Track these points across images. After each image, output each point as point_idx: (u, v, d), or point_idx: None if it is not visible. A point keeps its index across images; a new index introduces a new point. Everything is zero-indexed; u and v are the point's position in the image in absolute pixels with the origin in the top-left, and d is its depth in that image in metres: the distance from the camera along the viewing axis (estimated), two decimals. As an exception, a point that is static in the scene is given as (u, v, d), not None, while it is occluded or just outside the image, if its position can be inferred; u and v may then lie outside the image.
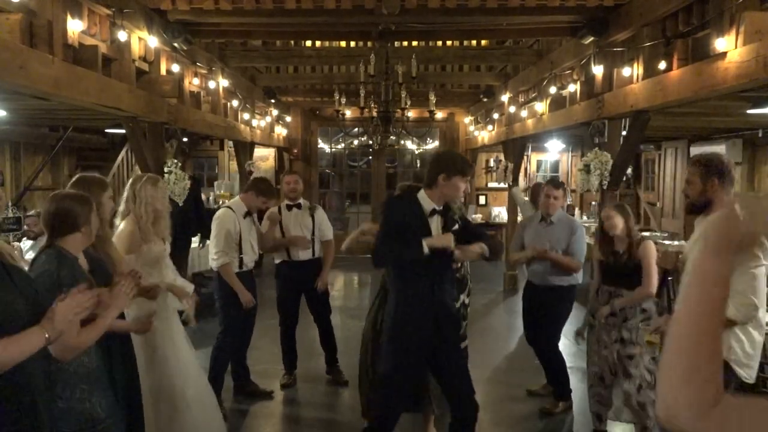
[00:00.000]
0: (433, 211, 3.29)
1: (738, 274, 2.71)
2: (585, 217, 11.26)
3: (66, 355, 2.19)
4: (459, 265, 4.62)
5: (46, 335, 1.89)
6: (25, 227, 5.52)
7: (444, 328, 3.32)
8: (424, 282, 3.27)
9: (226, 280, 4.44)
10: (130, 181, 3.65)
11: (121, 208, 3.53)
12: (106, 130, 9.43)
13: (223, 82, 7.21)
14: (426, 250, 3.14)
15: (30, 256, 4.74)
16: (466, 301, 4.72)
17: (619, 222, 3.89)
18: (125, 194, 3.55)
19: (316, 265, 5.10)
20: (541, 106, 7.19)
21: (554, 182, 4.72)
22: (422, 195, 3.33)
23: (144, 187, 3.50)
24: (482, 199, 12.65)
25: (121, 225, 3.47)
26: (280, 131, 11.25)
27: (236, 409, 4.62)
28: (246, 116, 8.50)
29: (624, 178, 5.81)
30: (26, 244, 5.63)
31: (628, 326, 3.88)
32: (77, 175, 3.06)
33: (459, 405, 3.42)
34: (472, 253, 3.26)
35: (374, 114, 6.54)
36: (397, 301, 3.35)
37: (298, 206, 5.11)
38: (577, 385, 4.75)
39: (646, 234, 4.05)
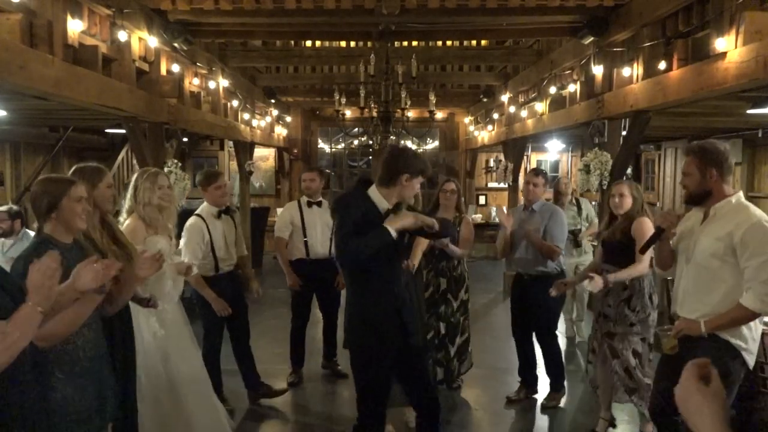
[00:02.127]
0: (387, 212, 3.07)
1: (759, 263, 2.65)
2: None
3: (41, 342, 2.10)
4: (456, 263, 4.66)
5: (39, 309, 1.82)
6: None
7: (407, 324, 3.20)
8: (384, 278, 3.12)
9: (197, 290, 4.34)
10: (133, 177, 3.63)
11: (126, 205, 3.53)
12: (106, 130, 9.43)
13: (223, 82, 7.21)
14: (393, 233, 2.93)
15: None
16: (465, 297, 4.78)
17: (627, 201, 3.83)
18: (129, 191, 3.55)
19: (332, 263, 4.99)
20: (541, 106, 7.20)
21: (535, 170, 4.71)
22: (374, 193, 3.10)
23: (143, 185, 3.49)
24: (482, 199, 12.65)
25: (127, 221, 3.48)
26: (280, 131, 11.25)
27: (236, 408, 4.61)
28: (246, 116, 8.50)
29: (624, 178, 5.79)
30: (0, 242, 5.17)
31: (609, 302, 3.88)
32: (75, 166, 3.05)
33: (422, 405, 3.34)
34: (425, 221, 3.06)
35: (374, 114, 6.54)
36: (362, 305, 3.17)
37: (319, 204, 5.10)
38: (577, 384, 4.75)
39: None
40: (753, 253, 2.66)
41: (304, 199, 5.13)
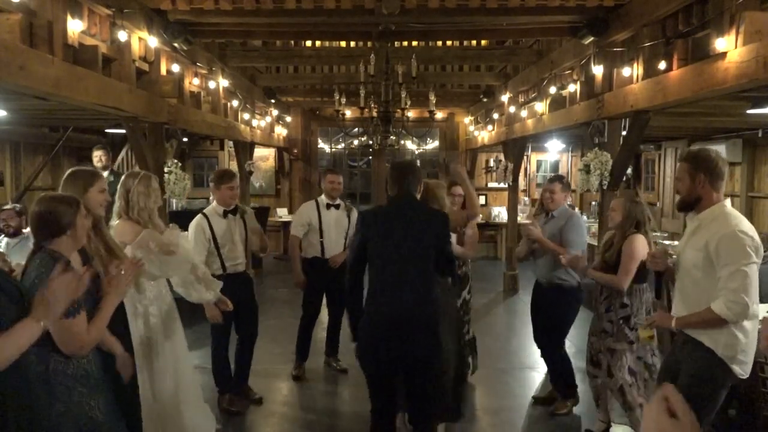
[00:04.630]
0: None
1: (730, 272, 2.72)
2: (585, 218, 11.27)
3: (80, 351, 2.26)
4: (461, 263, 4.67)
5: (41, 323, 1.91)
6: (1, 224, 5.22)
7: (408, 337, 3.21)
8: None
9: None
10: (122, 179, 3.59)
11: (116, 206, 3.49)
12: (106, 130, 9.43)
13: (223, 82, 7.21)
14: None
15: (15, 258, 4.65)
16: (467, 297, 4.80)
17: (616, 217, 3.89)
18: (118, 192, 3.51)
19: (345, 262, 5.14)
20: (541, 106, 7.19)
21: (551, 178, 4.75)
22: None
23: (136, 189, 3.48)
24: (482, 199, 12.65)
25: (116, 223, 3.46)
26: (280, 131, 11.25)
27: (236, 409, 4.61)
28: (246, 116, 8.50)
29: (624, 178, 5.79)
30: (5, 242, 5.16)
31: (609, 317, 3.89)
32: (69, 170, 3.04)
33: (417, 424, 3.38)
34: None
35: (374, 114, 6.54)
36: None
37: (337, 206, 5.22)
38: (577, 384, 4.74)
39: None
40: (725, 262, 2.74)
41: (323, 200, 5.22)
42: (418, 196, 3.42)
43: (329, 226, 5.15)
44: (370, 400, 3.36)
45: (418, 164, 3.64)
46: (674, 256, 3.25)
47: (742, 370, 2.84)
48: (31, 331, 1.89)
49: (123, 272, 2.44)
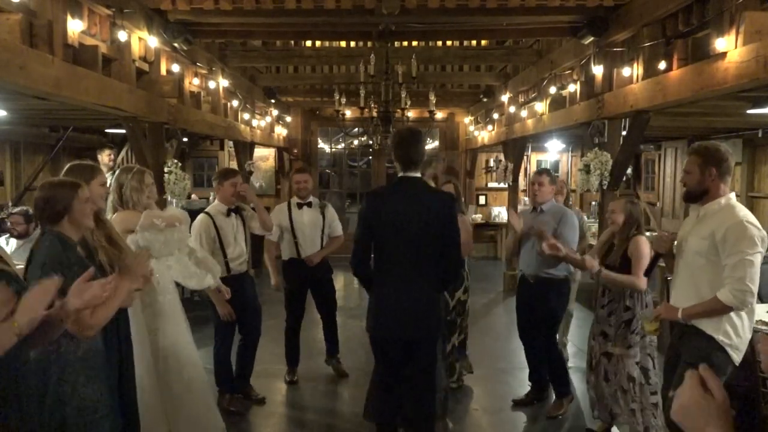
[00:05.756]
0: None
1: (736, 260, 2.78)
2: (585, 218, 11.25)
3: (86, 333, 2.21)
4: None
5: (16, 333, 1.74)
6: (9, 224, 5.25)
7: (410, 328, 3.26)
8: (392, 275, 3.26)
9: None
10: (116, 174, 3.56)
11: (110, 200, 3.47)
12: (106, 130, 9.43)
13: (223, 82, 7.21)
14: None
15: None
16: (463, 297, 4.76)
17: (619, 218, 3.87)
18: (111, 186, 3.48)
19: (324, 261, 5.18)
20: (541, 106, 7.19)
21: (539, 170, 4.69)
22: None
23: (129, 183, 3.46)
24: (482, 199, 12.65)
25: (113, 216, 3.45)
26: (280, 131, 11.24)
27: (236, 409, 4.61)
28: (246, 116, 8.50)
29: (624, 178, 5.80)
30: (12, 243, 5.20)
31: (611, 322, 3.86)
32: (68, 165, 3.05)
33: (413, 417, 3.39)
34: None
35: (374, 114, 6.55)
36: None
37: (309, 204, 5.18)
38: (577, 385, 4.75)
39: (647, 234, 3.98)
40: (731, 252, 2.80)
41: (295, 200, 5.21)
42: (422, 174, 3.32)
43: (302, 226, 5.09)
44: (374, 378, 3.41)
45: (422, 133, 3.43)
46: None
47: (738, 357, 2.94)
48: (4, 335, 1.72)
49: (135, 267, 2.42)
